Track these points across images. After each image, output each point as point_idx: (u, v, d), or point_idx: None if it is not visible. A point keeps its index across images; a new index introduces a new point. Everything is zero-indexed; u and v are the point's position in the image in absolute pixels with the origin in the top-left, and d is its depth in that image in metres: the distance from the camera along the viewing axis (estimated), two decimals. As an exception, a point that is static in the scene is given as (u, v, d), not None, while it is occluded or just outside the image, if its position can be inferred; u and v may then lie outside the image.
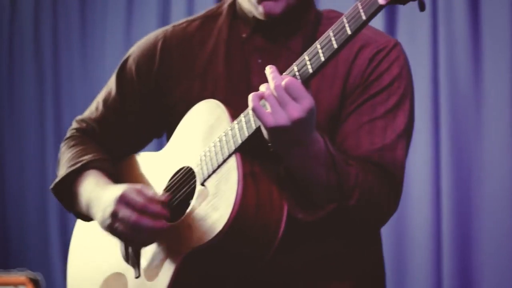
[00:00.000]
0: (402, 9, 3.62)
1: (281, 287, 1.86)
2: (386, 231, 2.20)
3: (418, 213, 3.61)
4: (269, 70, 1.69)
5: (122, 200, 1.82)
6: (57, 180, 2.04)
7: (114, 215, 1.82)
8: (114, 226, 1.83)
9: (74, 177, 2.01)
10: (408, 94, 1.86)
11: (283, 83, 1.65)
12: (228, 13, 1.97)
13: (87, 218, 2.00)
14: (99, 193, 1.91)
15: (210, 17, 2.00)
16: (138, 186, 1.85)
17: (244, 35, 1.92)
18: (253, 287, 1.84)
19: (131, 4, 4.57)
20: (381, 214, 1.82)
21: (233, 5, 1.97)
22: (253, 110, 1.67)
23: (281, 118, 1.65)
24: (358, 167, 1.76)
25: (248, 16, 1.91)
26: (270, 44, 1.90)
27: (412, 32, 3.62)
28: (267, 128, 1.67)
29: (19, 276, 3.47)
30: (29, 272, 3.53)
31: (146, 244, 1.85)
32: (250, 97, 1.68)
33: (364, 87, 1.84)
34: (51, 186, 2.05)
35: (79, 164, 2.01)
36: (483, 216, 3.49)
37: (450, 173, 3.53)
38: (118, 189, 1.85)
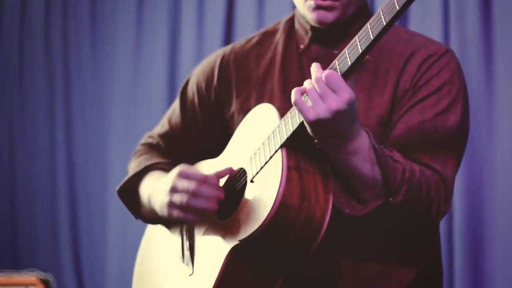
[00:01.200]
0: (413, 10, 3.61)
1: (328, 283, 1.89)
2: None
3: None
4: (314, 65, 1.75)
5: (182, 175, 1.90)
6: (122, 181, 2.14)
7: (173, 189, 1.90)
8: (172, 200, 1.90)
9: (139, 178, 2.12)
10: (459, 99, 1.89)
11: (323, 75, 1.70)
12: (284, 28, 2.06)
13: (154, 220, 2.08)
14: (160, 183, 1.99)
15: (268, 34, 2.10)
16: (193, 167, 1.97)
17: (302, 46, 2.00)
18: (302, 283, 1.88)
19: (141, 4, 4.56)
20: (430, 214, 1.83)
21: (290, 21, 2.06)
22: (295, 103, 1.72)
23: (321, 110, 1.69)
24: (406, 164, 1.79)
25: (306, 27, 1.99)
26: (328, 53, 1.95)
27: (423, 32, 3.60)
28: (308, 122, 1.72)
29: (30, 277, 3.47)
30: (40, 273, 3.53)
31: (205, 211, 1.89)
32: (293, 91, 1.73)
33: (414, 91, 1.88)
34: (117, 188, 2.15)
35: (142, 166, 2.12)
36: (495, 217, 3.47)
37: (462, 174, 3.51)
38: (175, 169, 1.94)
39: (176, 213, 1.92)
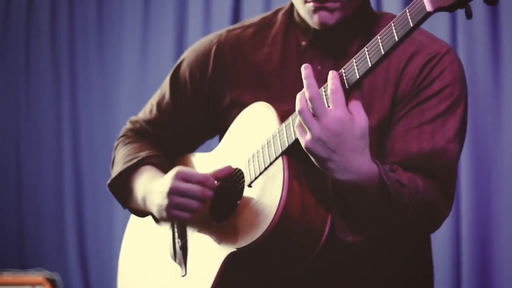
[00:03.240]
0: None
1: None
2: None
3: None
4: (331, 72, 1.67)
5: (179, 176, 1.87)
6: (113, 175, 2.08)
7: (172, 191, 1.87)
8: (171, 202, 1.87)
9: (130, 172, 2.05)
10: (462, 101, 1.85)
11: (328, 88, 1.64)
12: (282, 21, 1.99)
13: (143, 213, 2.04)
14: (154, 185, 1.95)
15: (265, 26, 2.02)
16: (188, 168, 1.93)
17: (303, 43, 1.93)
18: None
19: (148, 2, 4.56)
20: (434, 222, 1.81)
21: (288, 13, 1.99)
22: (300, 113, 1.65)
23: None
24: (410, 184, 1.73)
25: (306, 25, 1.92)
26: (330, 51, 1.90)
27: (431, 32, 3.59)
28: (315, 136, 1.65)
29: (36, 276, 3.48)
30: (46, 272, 3.53)
31: (199, 210, 1.88)
32: (298, 96, 1.67)
33: (415, 94, 1.83)
34: (108, 182, 2.10)
35: (135, 160, 2.06)
36: (502, 218, 3.46)
37: (469, 175, 3.50)
38: (172, 171, 1.90)
39: (175, 213, 1.89)
